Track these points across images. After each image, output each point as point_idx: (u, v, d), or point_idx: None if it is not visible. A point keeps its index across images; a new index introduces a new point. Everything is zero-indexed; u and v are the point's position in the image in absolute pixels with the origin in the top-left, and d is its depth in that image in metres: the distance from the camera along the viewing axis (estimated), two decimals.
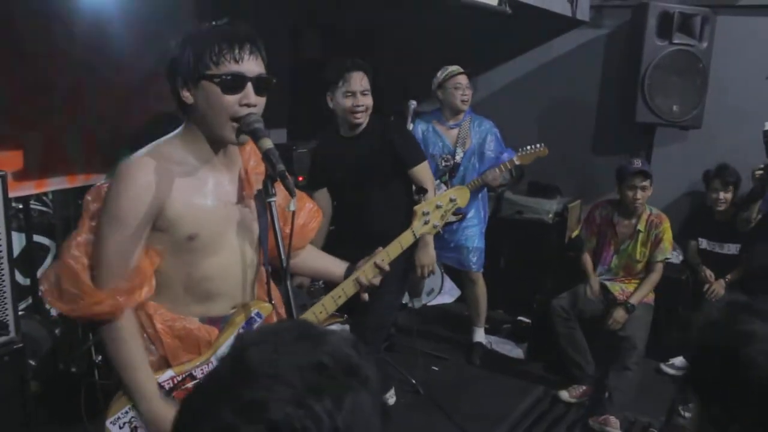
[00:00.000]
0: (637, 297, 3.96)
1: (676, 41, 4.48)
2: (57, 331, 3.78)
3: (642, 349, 3.84)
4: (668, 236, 4.00)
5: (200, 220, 1.76)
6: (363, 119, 3.37)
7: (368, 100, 3.34)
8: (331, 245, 3.69)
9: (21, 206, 3.62)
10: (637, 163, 3.97)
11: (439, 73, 4.32)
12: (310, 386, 0.75)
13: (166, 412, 1.77)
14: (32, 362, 3.33)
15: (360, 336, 3.37)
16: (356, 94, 3.29)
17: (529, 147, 4.26)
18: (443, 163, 4.38)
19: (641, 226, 4.00)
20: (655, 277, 4.01)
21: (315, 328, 0.85)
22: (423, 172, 3.48)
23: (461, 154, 4.37)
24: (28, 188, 3.57)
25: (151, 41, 3.93)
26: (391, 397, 3.84)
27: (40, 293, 3.87)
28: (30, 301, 3.75)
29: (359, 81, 3.30)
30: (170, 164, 1.73)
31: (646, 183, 3.93)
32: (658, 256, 3.99)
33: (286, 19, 4.50)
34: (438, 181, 4.35)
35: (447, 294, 5.10)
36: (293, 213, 1.69)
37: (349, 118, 3.36)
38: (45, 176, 3.63)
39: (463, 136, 4.38)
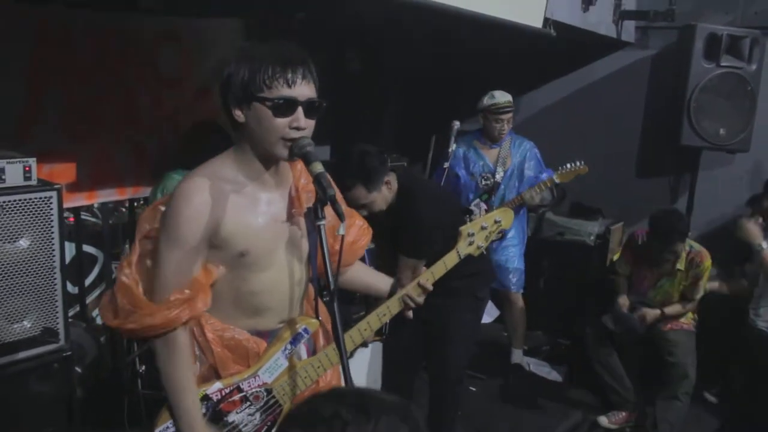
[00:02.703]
0: (671, 310, 3.91)
1: (723, 63, 4.42)
2: (102, 338, 3.87)
3: (693, 378, 3.77)
4: (707, 276, 3.90)
5: (252, 237, 1.80)
6: None
7: None
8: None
9: (72, 216, 3.74)
10: (675, 232, 3.77)
11: (485, 99, 4.30)
12: None
13: None
14: (78, 369, 3.42)
15: (443, 377, 3.35)
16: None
17: (568, 165, 4.24)
18: (483, 182, 4.38)
19: (681, 265, 3.87)
20: (691, 306, 3.95)
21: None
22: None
23: (501, 173, 4.37)
24: (79, 199, 3.67)
25: (201, 58, 4.04)
26: None
27: (96, 312, 4.00)
28: (77, 308, 3.86)
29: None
30: (223, 183, 1.77)
31: (680, 248, 3.79)
32: (695, 295, 3.90)
33: (330, 36, 4.56)
34: (478, 199, 4.36)
35: (485, 313, 5.06)
36: (342, 237, 1.72)
37: None
38: (96, 188, 3.73)
39: (503, 156, 4.38)
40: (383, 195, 3.08)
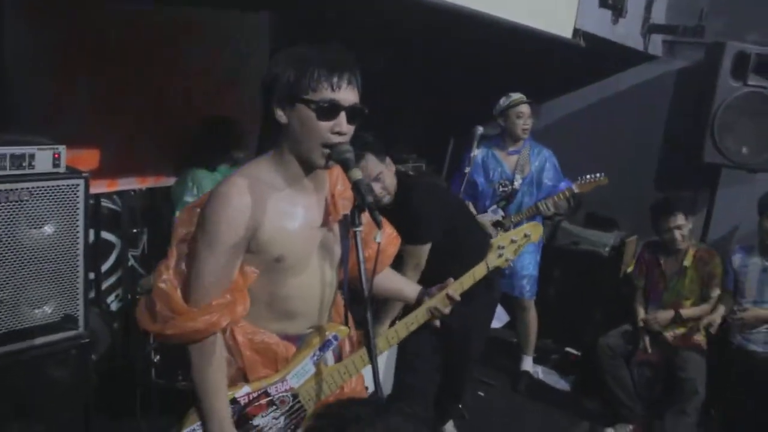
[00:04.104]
0: (689, 312, 3.92)
1: (750, 83, 4.40)
2: (115, 325, 3.89)
3: (703, 394, 3.76)
4: (719, 272, 3.94)
5: (288, 242, 1.79)
6: None
7: None
8: None
9: (92, 203, 3.75)
10: (671, 203, 3.92)
11: (502, 100, 4.32)
12: None
13: None
14: (93, 356, 3.44)
15: (460, 367, 3.55)
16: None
17: (588, 176, 4.22)
18: (501, 189, 4.37)
19: (688, 262, 3.94)
20: (706, 307, 3.94)
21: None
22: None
23: (519, 181, 4.35)
24: (100, 186, 3.69)
25: (226, 50, 4.05)
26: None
27: (111, 299, 4.02)
28: (92, 294, 3.87)
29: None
30: (263, 186, 1.77)
31: (681, 221, 3.87)
32: (712, 293, 3.93)
33: (355, 35, 4.56)
34: (495, 206, 4.36)
35: (496, 319, 5.05)
36: (379, 244, 1.72)
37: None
38: (117, 176, 3.76)
39: (522, 163, 4.37)
40: (390, 171, 3.11)
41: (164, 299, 1.75)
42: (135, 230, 4.20)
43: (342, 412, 1.16)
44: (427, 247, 3.18)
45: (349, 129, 1.76)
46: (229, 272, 1.76)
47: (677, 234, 3.87)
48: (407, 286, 2.26)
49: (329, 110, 1.71)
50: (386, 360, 3.63)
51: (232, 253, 1.75)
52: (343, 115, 1.73)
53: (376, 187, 3.03)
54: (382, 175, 3.05)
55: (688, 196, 4.51)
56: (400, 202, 3.12)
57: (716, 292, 3.93)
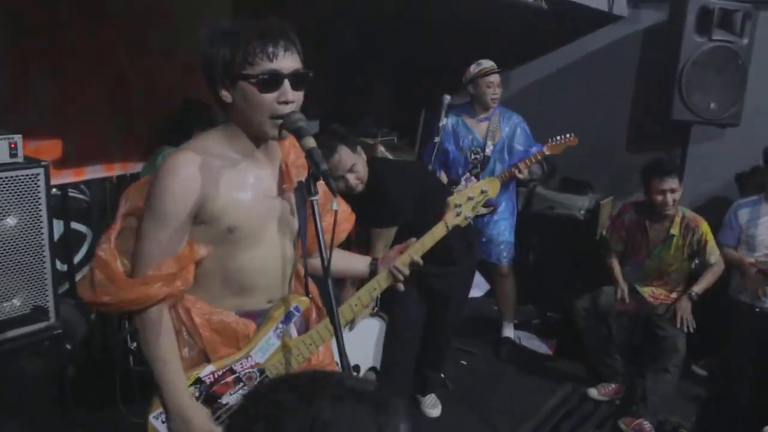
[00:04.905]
0: (701, 286, 3.84)
1: (715, 37, 4.39)
2: (92, 316, 3.85)
3: (683, 352, 3.76)
4: (711, 237, 3.87)
5: (240, 213, 1.77)
6: None
7: None
8: None
9: (59, 193, 3.70)
10: (666, 165, 3.82)
11: (472, 68, 4.31)
12: None
13: (193, 408, 1.80)
14: (68, 347, 3.41)
15: (442, 333, 3.66)
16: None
17: (558, 137, 4.21)
18: (473, 156, 4.37)
19: (675, 230, 3.85)
20: (717, 269, 3.87)
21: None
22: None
23: (491, 147, 4.36)
24: (66, 176, 3.63)
25: (191, 32, 3.97)
26: (434, 407, 3.84)
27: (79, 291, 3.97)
28: (67, 286, 3.83)
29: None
30: (211, 158, 1.74)
31: (675, 185, 3.77)
32: (711, 259, 3.86)
33: (322, 11, 4.51)
34: (468, 173, 4.36)
35: (476, 288, 5.09)
36: (335, 212, 1.70)
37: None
38: (83, 165, 3.70)
39: (493, 129, 4.37)
40: (362, 160, 3.14)
41: (102, 267, 1.73)
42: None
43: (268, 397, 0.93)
44: (396, 227, 3.21)
45: (295, 96, 1.73)
46: (173, 247, 1.73)
47: (669, 197, 3.75)
48: (356, 260, 2.23)
49: (270, 81, 1.68)
50: (377, 336, 3.64)
51: (179, 228, 1.72)
52: (286, 83, 1.70)
53: (351, 178, 3.06)
54: (356, 165, 3.08)
55: (664, 155, 4.51)
56: (371, 187, 3.15)
57: (714, 257, 3.85)
